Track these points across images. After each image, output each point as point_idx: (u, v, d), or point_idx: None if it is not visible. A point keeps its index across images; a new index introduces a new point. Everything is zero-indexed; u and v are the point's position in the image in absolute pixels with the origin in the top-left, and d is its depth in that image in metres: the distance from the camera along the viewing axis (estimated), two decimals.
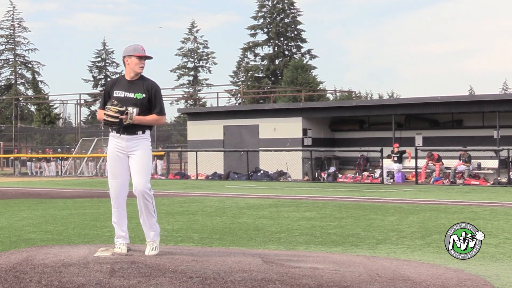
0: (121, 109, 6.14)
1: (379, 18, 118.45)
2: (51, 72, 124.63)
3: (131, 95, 6.26)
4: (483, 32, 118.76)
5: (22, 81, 74.68)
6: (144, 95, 6.26)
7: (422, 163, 24.90)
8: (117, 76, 6.72)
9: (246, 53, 71.17)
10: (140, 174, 6.22)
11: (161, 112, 6.32)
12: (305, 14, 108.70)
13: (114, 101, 6.20)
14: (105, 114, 6.15)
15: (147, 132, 6.36)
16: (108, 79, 74.60)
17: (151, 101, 6.28)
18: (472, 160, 24.32)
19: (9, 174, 40.94)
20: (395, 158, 25.80)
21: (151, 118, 6.28)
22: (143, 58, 6.32)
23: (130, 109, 6.19)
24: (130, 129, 6.25)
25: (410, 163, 25.77)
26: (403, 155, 26.04)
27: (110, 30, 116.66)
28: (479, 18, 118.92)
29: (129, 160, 6.29)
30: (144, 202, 6.20)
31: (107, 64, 75.95)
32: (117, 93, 6.29)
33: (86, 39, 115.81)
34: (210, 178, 28.58)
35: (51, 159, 39.19)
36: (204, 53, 74.97)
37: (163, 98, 6.66)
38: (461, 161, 24.08)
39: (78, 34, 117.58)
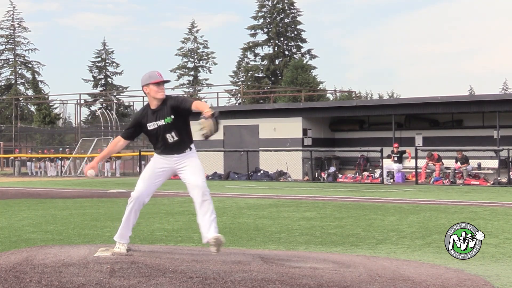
0: (212, 112, 5.99)
1: (379, 18, 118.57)
2: (51, 72, 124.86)
3: (162, 122, 6.22)
4: (484, 32, 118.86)
5: (22, 81, 74.69)
6: (172, 116, 6.21)
7: (422, 163, 24.89)
8: (142, 106, 6.63)
9: (246, 53, 71.17)
10: (197, 174, 6.20)
11: (191, 102, 6.17)
12: (305, 14, 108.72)
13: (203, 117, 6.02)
14: (203, 128, 6.00)
15: (193, 148, 6.36)
16: (109, 79, 74.72)
17: (181, 107, 6.18)
18: (473, 160, 24.30)
19: (9, 174, 40.95)
20: (395, 158, 25.79)
21: (199, 104, 6.12)
22: (161, 83, 6.25)
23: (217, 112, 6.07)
24: (179, 149, 6.25)
25: (410, 163, 25.76)
26: (403, 155, 26.04)
27: (110, 30, 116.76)
28: (479, 18, 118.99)
29: (180, 174, 6.29)
30: (205, 198, 6.15)
31: (107, 64, 75.90)
32: (150, 126, 6.25)
33: (86, 39, 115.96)
34: (210, 178, 28.57)
35: (53, 159, 39.23)
36: (204, 53, 74.98)
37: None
38: (459, 163, 24.07)
39: (78, 34, 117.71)
